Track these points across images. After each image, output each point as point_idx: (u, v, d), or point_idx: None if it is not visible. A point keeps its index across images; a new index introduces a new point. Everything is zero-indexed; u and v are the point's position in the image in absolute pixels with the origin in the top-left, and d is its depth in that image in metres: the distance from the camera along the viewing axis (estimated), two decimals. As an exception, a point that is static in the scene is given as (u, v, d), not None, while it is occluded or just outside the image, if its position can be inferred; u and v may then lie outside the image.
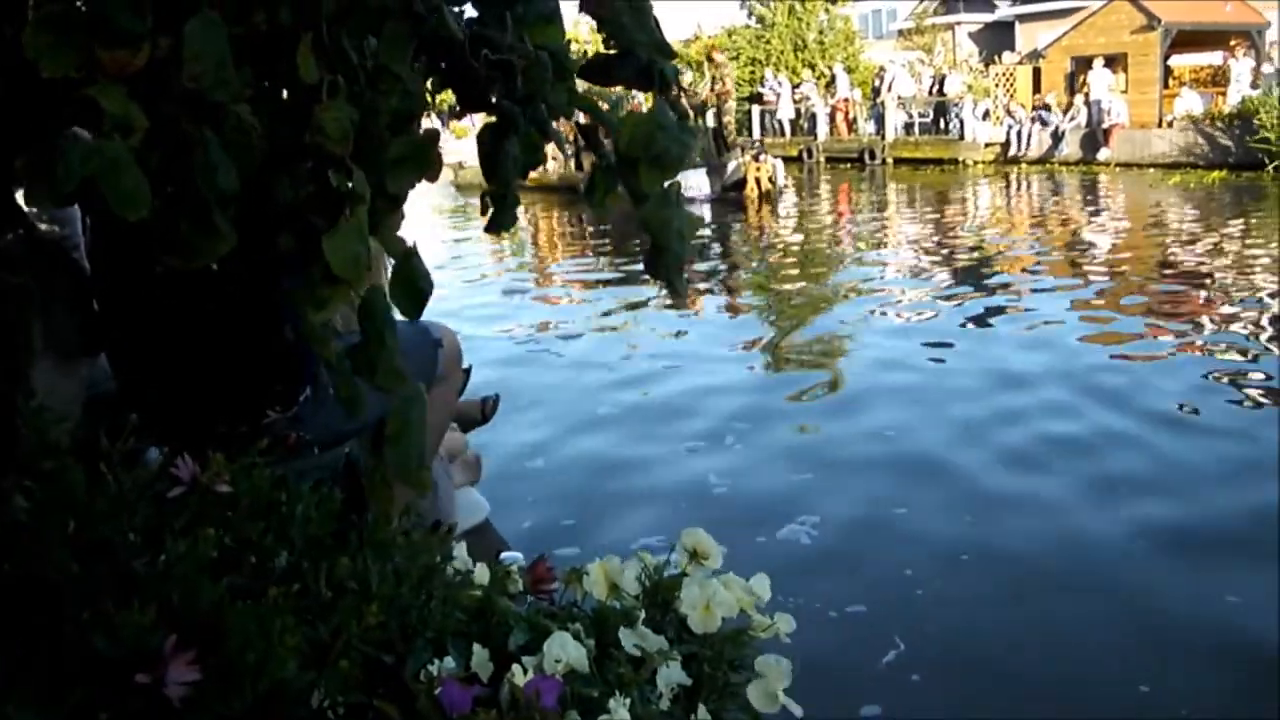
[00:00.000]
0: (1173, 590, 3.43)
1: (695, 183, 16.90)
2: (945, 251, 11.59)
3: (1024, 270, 10.17)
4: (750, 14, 22.90)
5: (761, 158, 17.49)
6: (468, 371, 3.29)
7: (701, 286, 9.79)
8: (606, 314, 8.74)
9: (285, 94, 1.14)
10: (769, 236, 14.26)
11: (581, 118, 1.30)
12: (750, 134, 18.69)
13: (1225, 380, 5.87)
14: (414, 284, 1.13)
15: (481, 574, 1.18)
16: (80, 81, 0.97)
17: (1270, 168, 17.15)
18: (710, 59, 19.53)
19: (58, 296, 1.92)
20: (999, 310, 8.18)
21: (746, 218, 15.91)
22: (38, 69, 0.94)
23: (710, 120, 18.74)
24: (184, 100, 1.01)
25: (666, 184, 1.15)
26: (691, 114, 14.71)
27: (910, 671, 2.98)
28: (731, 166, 17.38)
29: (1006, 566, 3.65)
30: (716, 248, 13.02)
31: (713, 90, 19.04)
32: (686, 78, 19.78)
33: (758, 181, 16.97)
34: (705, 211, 15.75)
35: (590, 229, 15.15)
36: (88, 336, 1.98)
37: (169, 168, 1.03)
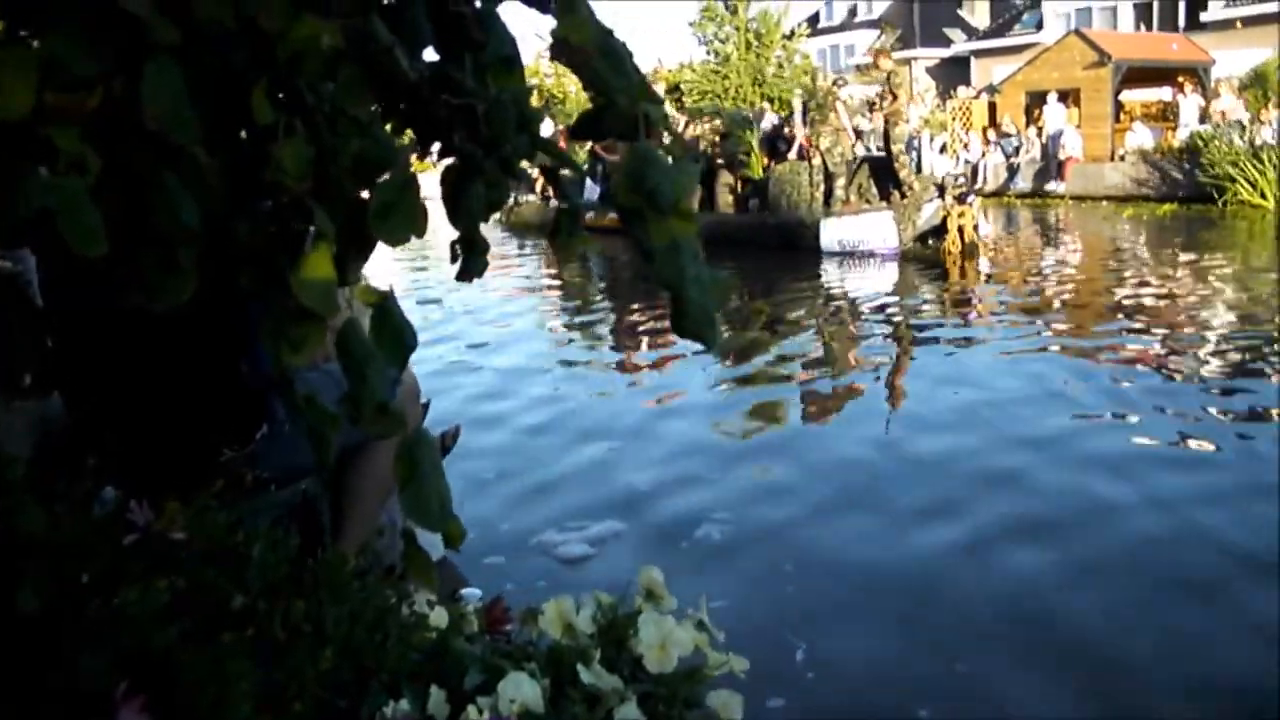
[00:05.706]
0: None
1: (878, 232, 13.18)
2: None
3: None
4: (709, 50, 22.94)
5: (969, 199, 12.90)
6: (426, 406, 3.30)
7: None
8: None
9: (243, 135, 1.14)
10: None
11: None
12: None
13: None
14: (394, 334, 1.09)
15: (439, 616, 1.18)
16: (33, 121, 0.96)
17: (1220, 201, 17.48)
18: (878, 65, 14.84)
19: (10, 332, 1.90)
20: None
21: (946, 281, 11.30)
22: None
23: (860, 149, 14.75)
24: (142, 140, 1.01)
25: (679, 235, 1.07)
26: (853, 138, 12.87)
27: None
28: (928, 211, 13.19)
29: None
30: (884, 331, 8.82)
31: (878, 108, 14.91)
32: (846, 91, 14.85)
33: (960, 231, 12.56)
34: (892, 270, 12.18)
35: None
36: (41, 373, 1.96)
37: (129, 207, 1.02)
